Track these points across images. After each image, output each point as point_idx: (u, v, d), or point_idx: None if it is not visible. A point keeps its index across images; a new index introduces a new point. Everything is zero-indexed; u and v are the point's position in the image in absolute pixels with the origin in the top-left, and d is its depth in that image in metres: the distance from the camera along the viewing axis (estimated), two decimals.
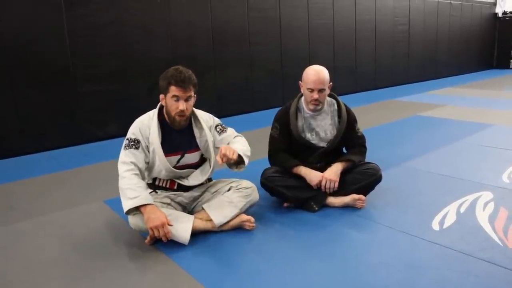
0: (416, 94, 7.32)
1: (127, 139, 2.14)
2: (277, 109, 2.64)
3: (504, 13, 11.65)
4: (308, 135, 2.50)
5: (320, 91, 2.38)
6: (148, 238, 2.07)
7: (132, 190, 2.00)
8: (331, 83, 2.46)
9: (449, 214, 2.33)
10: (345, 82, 7.18)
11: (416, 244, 2.03)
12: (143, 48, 4.73)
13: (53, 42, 4.10)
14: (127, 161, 2.08)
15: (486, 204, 2.46)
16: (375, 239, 2.11)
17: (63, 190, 2.97)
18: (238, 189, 2.30)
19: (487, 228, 2.16)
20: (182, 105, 2.08)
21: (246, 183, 2.34)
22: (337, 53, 7.18)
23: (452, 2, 9.85)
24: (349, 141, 2.57)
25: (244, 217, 2.23)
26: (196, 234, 2.12)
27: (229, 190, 2.30)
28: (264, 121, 4.43)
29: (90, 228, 2.31)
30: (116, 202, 2.64)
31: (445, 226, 2.20)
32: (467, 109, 5.72)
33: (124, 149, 2.12)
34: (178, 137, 2.22)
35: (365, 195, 2.46)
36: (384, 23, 8.13)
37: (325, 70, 2.42)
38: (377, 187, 2.51)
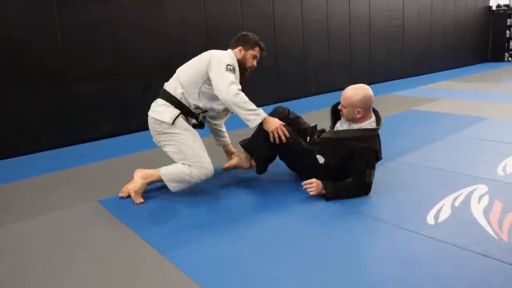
0: (411, 89, 7.32)
1: (227, 64, 2.41)
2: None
3: (498, 6, 11.67)
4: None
5: (342, 105, 2.56)
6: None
7: (252, 104, 2.39)
8: (360, 110, 2.48)
9: (444, 208, 2.34)
10: (339, 78, 7.17)
11: (411, 238, 2.03)
12: (137, 46, 4.71)
13: (46, 41, 4.06)
14: (235, 82, 2.38)
15: (481, 197, 2.47)
16: (369, 233, 2.11)
17: (58, 191, 2.95)
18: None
19: (482, 221, 2.16)
20: (256, 63, 2.68)
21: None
22: (332, 49, 7.16)
23: None
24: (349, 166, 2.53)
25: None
26: (192, 233, 2.12)
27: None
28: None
29: (84, 229, 2.30)
30: (111, 202, 2.63)
31: (440, 220, 2.20)
32: (462, 103, 5.73)
33: (227, 70, 2.36)
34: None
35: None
36: (378, 18, 8.12)
37: (352, 91, 2.50)
38: (373, 182, 2.51)
